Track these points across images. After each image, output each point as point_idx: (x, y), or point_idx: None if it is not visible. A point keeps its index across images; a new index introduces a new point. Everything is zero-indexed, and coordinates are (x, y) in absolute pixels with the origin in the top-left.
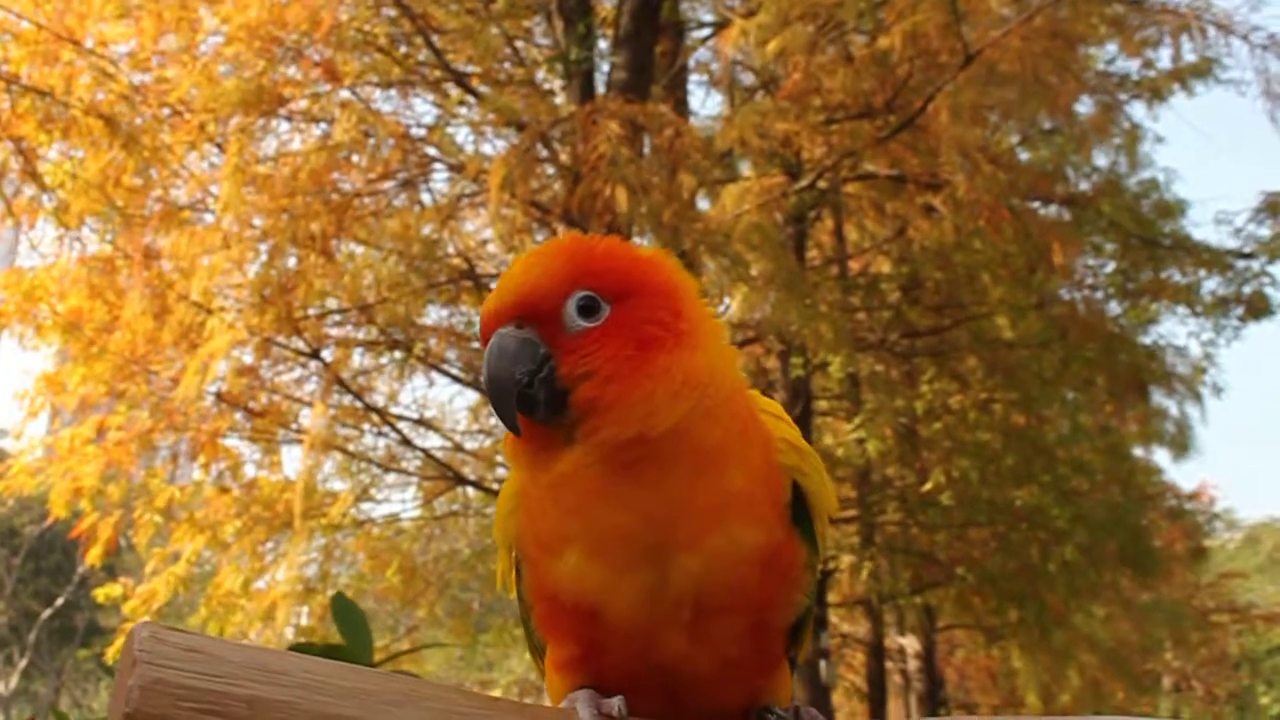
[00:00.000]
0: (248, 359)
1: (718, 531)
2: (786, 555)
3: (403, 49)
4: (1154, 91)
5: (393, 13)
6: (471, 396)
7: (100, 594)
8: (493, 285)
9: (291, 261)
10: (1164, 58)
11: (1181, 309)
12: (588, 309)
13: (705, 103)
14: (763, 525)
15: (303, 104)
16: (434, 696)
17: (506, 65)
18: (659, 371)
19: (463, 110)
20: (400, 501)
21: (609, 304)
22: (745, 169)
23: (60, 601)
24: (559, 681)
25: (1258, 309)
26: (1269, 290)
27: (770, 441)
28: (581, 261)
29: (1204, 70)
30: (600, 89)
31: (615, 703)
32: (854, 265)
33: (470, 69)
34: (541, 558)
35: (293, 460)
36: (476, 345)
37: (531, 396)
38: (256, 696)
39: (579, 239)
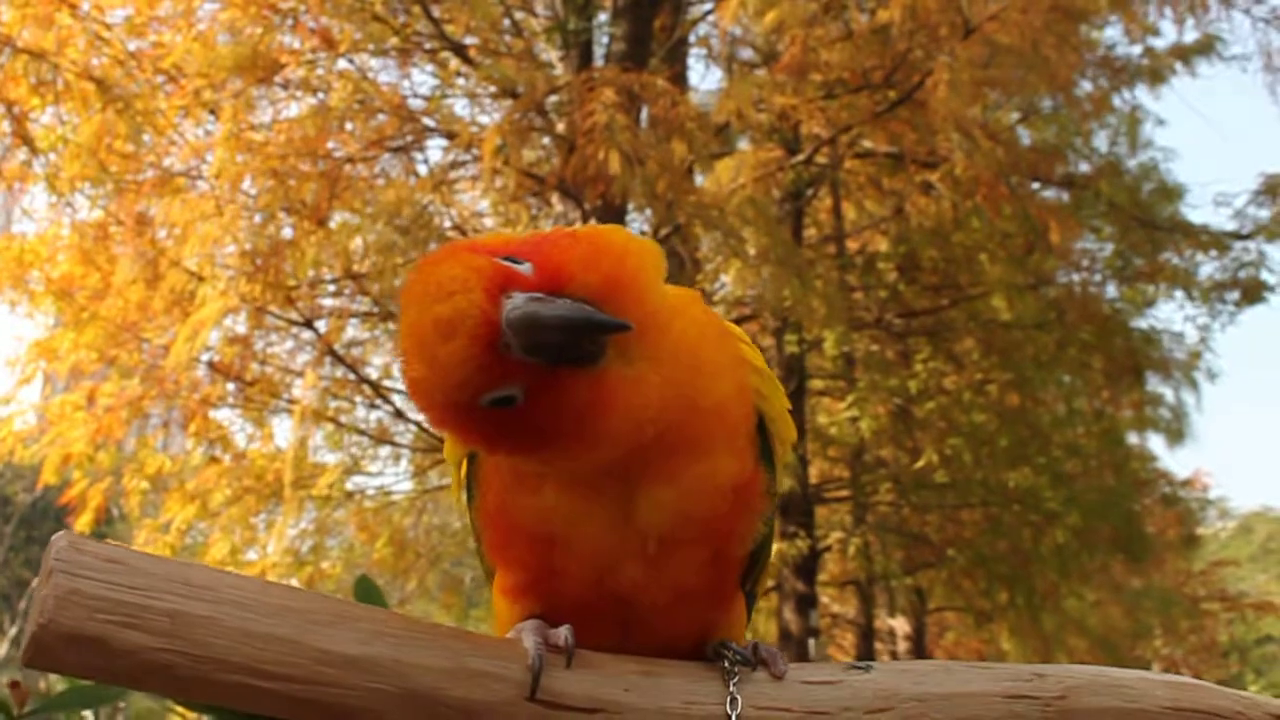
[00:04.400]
0: (240, 329)
1: (701, 461)
2: (750, 484)
3: (401, 18)
4: (1155, 74)
5: None
6: None
7: None
8: None
9: (287, 231)
10: (1166, 35)
11: (1179, 293)
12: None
13: (705, 78)
14: (739, 454)
15: (299, 73)
16: (369, 618)
17: (505, 37)
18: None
19: (460, 81)
20: (393, 474)
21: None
22: (743, 145)
23: None
24: (506, 608)
25: (1253, 293)
26: (1264, 274)
27: (743, 363)
28: (480, 248)
29: (1207, 47)
30: (599, 61)
31: (563, 632)
32: (851, 244)
33: (469, 40)
34: (511, 486)
35: (284, 431)
36: None
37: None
38: (178, 610)
39: (455, 270)
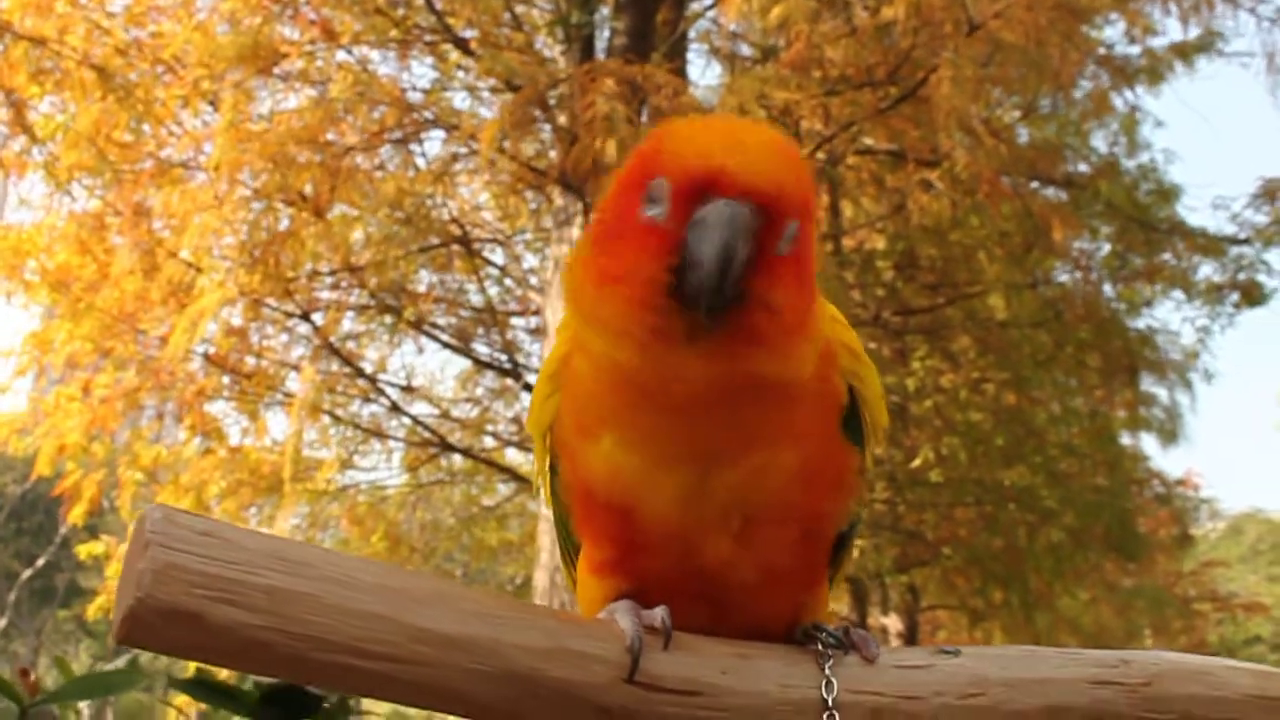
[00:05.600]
0: (237, 320)
1: (758, 451)
2: (837, 464)
3: (401, 10)
4: (1153, 72)
5: None
6: (461, 364)
7: (82, 551)
8: (485, 252)
9: (284, 223)
10: (1168, 33)
11: (1177, 294)
12: (792, 237)
13: (705, 73)
14: (808, 446)
15: (299, 64)
16: (466, 597)
17: (505, 30)
18: (811, 322)
19: (461, 74)
20: (386, 468)
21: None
22: None
23: (41, 562)
24: (593, 585)
25: (1252, 296)
26: (1263, 278)
27: (834, 351)
28: (807, 185)
29: (1207, 43)
30: (600, 55)
31: (659, 613)
32: (849, 242)
33: (469, 33)
34: (578, 443)
35: (278, 424)
36: (466, 313)
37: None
38: (276, 587)
39: (789, 146)
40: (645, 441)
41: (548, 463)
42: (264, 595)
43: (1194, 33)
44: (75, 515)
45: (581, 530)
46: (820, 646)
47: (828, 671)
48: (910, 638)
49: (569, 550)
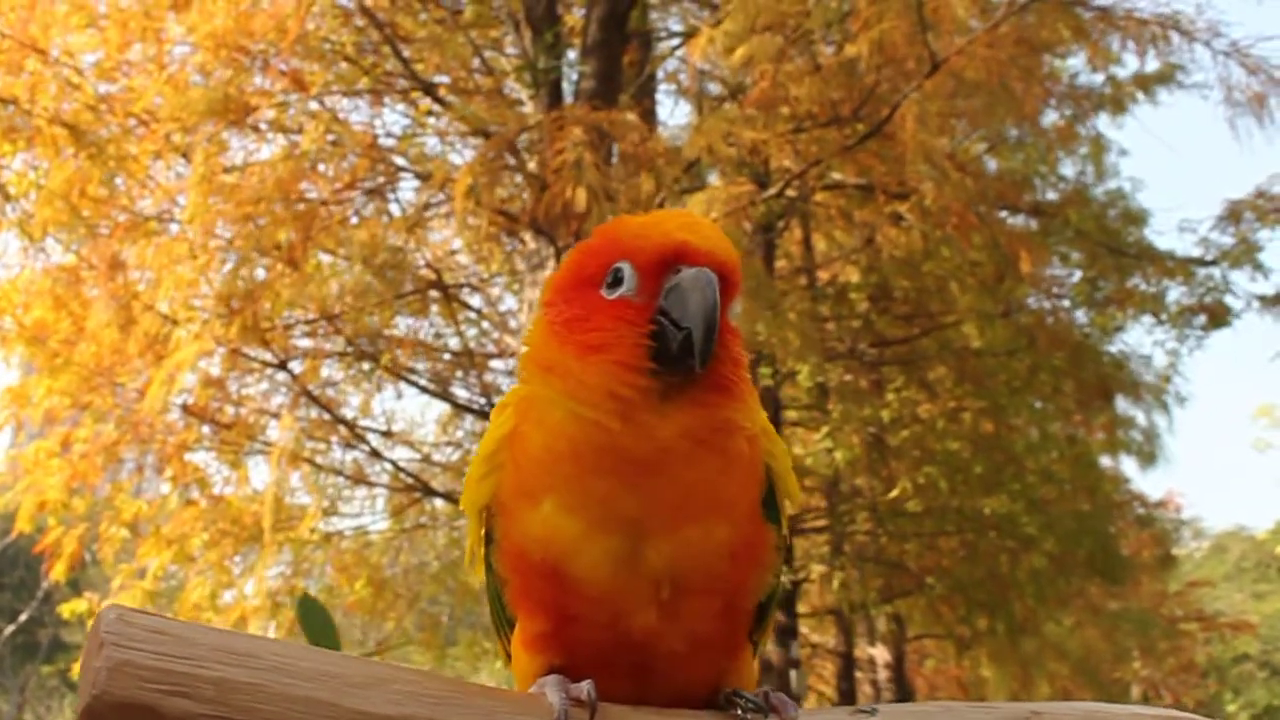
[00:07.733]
0: (215, 371)
1: (694, 524)
2: (760, 539)
3: (371, 59)
4: (1117, 102)
5: (360, 22)
6: (440, 408)
7: (66, 610)
8: (462, 295)
9: (260, 272)
10: (1129, 66)
11: (1147, 318)
12: (734, 310)
13: (673, 112)
14: (737, 521)
15: (270, 114)
16: (401, 680)
17: (476, 76)
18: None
19: (431, 120)
20: (370, 514)
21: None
22: (713, 180)
23: (24, 617)
24: (526, 660)
25: (1218, 318)
26: (1229, 299)
27: (757, 432)
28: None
29: (1168, 76)
30: (568, 98)
31: (585, 686)
32: (823, 275)
33: (439, 79)
34: (519, 508)
35: (259, 473)
36: (447, 356)
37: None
38: (224, 678)
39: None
40: (588, 505)
41: (483, 533)
42: (213, 687)
43: (1154, 65)
44: (58, 573)
45: (515, 603)
46: (740, 711)
47: None
48: (898, 667)
49: (503, 625)
